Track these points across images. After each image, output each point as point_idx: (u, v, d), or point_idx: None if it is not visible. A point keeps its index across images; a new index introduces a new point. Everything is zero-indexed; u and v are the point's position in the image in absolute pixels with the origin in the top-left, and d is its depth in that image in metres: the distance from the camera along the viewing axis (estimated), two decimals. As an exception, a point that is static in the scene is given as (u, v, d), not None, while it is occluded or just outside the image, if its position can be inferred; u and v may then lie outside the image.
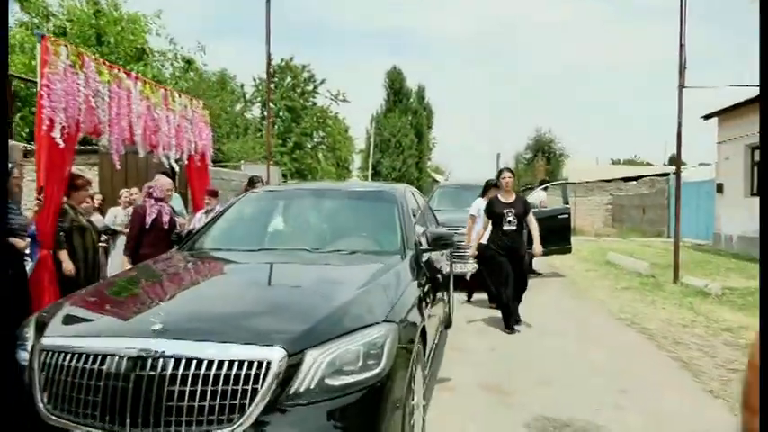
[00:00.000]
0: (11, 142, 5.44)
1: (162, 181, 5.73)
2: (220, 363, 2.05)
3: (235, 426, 1.99)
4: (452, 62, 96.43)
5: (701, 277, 9.20)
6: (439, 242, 3.79)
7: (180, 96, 7.13)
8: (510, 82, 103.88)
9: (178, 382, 2.03)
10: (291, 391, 2.07)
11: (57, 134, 4.86)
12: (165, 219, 5.36)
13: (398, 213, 3.86)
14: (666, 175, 26.89)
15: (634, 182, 27.36)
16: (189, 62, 19.31)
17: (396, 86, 37.53)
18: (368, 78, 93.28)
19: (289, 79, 29.02)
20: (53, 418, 2.16)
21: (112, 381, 2.07)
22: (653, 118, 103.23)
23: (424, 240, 3.87)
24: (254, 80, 29.06)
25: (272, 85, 29.05)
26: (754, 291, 8.10)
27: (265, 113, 28.27)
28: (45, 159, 4.86)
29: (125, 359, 2.09)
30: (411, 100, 38.11)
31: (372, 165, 33.50)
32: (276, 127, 28.40)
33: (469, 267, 7.60)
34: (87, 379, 2.12)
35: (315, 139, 29.86)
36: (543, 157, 36.25)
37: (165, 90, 6.85)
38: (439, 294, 4.40)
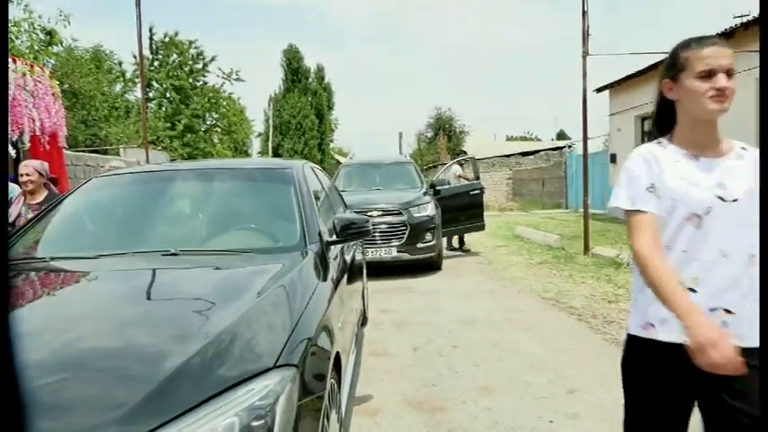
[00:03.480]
0: None
1: None
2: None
3: None
4: (351, 41, 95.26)
5: (608, 247, 9.18)
6: (350, 231, 2.94)
7: (15, 62, 5.67)
8: (409, 62, 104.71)
9: None
10: None
11: None
12: None
13: (296, 197, 2.97)
14: (561, 148, 28.03)
15: (531, 156, 28.23)
16: (50, 34, 16.75)
17: (293, 66, 35.91)
18: (264, 59, 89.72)
19: (174, 56, 26.59)
20: None
21: None
22: (543, 95, 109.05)
23: (328, 229, 3.01)
24: (135, 57, 26.31)
25: (157, 63, 26.48)
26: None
27: (149, 94, 25.76)
28: None
29: None
30: (310, 80, 36.70)
31: (273, 147, 31.87)
32: (163, 109, 25.99)
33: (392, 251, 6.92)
34: None
35: (208, 122, 27.73)
36: (444, 135, 36.51)
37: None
38: (354, 294, 3.59)
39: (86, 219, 3.04)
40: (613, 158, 16.18)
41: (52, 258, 2.62)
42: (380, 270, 7.31)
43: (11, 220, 4.19)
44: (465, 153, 10.88)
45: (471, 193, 9.36)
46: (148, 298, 2.08)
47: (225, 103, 27.99)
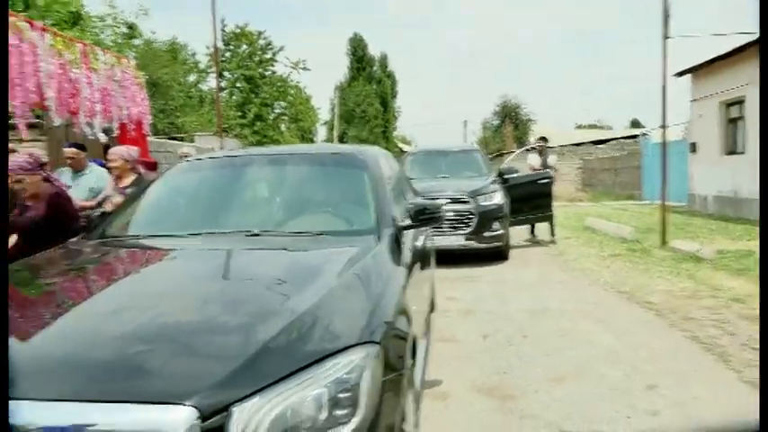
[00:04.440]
0: None
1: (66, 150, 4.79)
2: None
3: None
4: (415, 30, 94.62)
5: (688, 241, 8.70)
6: (423, 216, 2.94)
7: (104, 54, 6.03)
8: (474, 49, 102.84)
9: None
10: (211, 478, 1.24)
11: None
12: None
13: (370, 182, 3.01)
14: (635, 137, 26.71)
15: (603, 145, 27.11)
16: (131, 27, 17.69)
17: (358, 54, 36.19)
18: (329, 48, 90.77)
19: (244, 47, 27.41)
20: None
21: None
22: (614, 83, 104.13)
23: (401, 215, 3.03)
24: (208, 48, 27.33)
25: (228, 54, 27.40)
26: (746, 254, 7.61)
27: (222, 84, 26.72)
28: None
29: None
30: (374, 68, 36.84)
31: (338, 135, 32.33)
32: (234, 98, 26.90)
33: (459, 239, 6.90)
34: None
35: (276, 111, 28.46)
36: (511, 123, 35.71)
37: (84, 45, 5.75)
38: (425, 280, 3.61)
39: (173, 201, 3.21)
40: (693, 147, 15.24)
41: (142, 237, 2.80)
42: (447, 258, 7.29)
43: (98, 200, 4.46)
44: (546, 140, 10.50)
45: (540, 182, 9.11)
46: (232, 276, 2.18)
47: (292, 91, 28.62)
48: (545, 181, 9.13)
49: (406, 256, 2.73)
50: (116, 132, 6.35)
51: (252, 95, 26.38)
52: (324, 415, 1.39)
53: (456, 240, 7.37)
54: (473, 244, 7.48)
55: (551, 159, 9.98)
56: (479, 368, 3.65)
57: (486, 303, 5.42)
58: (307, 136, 31.16)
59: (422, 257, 3.47)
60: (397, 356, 1.76)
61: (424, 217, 2.95)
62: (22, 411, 1.25)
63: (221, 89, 26.75)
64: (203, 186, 3.27)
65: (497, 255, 7.86)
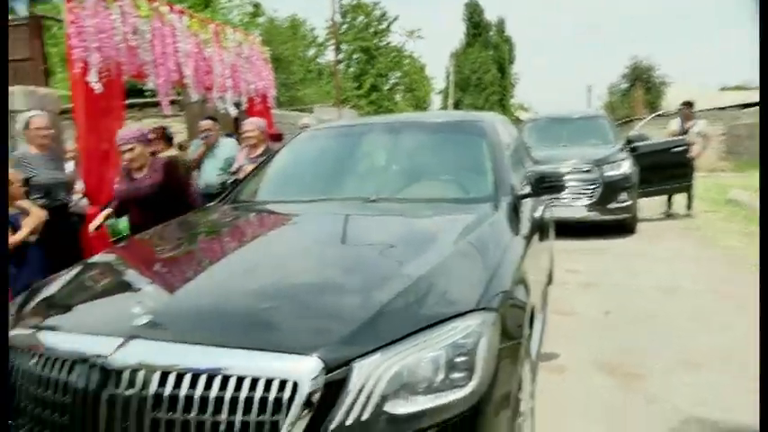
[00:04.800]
0: (46, 90, 4.99)
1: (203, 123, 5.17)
2: (224, 379, 1.33)
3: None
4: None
5: None
6: (543, 185, 2.83)
7: (233, 32, 6.42)
8: (599, 9, 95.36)
9: (164, 407, 1.34)
10: (332, 427, 1.32)
11: (93, 78, 4.31)
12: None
13: (488, 149, 2.94)
14: (793, 97, 23.30)
15: (752, 108, 24.03)
16: (256, 6, 18.66)
17: (474, 20, 35.08)
18: (444, 15, 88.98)
19: (361, 19, 27.78)
20: (13, 445, 1.56)
21: (80, 400, 1.42)
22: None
23: (519, 183, 2.93)
24: (326, 22, 28.11)
25: (344, 27, 27.95)
26: None
27: (339, 56, 27.42)
28: (81, 107, 4.36)
29: (96, 368, 1.43)
30: (491, 33, 35.56)
31: (453, 104, 31.89)
32: (351, 70, 27.51)
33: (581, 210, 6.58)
34: (53, 393, 1.49)
35: (391, 81, 28.68)
36: (641, 87, 32.82)
37: (216, 25, 6.16)
38: (543, 251, 3.49)
39: (296, 168, 3.37)
40: None
41: (269, 202, 2.99)
42: (566, 229, 6.97)
43: (233, 169, 4.80)
44: (690, 105, 9.50)
45: (675, 149, 8.31)
46: (352, 241, 2.26)
47: (407, 61, 28.63)
48: (680, 148, 8.31)
49: (524, 225, 2.65)
50: (244, 106, 6.77)
51: (368, 66, 26.81)
52: (440, 377, 1.41)
53: (578, 211, 7.01)
54: (596, 215, 7.06)
55: (700, 125, 8.97)
56: (600, 345, 3.48)
57: (608, 277, 5.13)
58: (421, 105, 31.12)
59: (540, 227, 3.35)
60: (514, 325, 1.73)
61: (544, 186, 2.84)
62: (168, 353, 1.41)
63: (338, 62, 27.49)
64: (324, 154, 3.40)
65: (623, 228, 7.36)
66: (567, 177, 6.76)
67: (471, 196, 2.71)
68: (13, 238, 3.36)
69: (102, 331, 1.51)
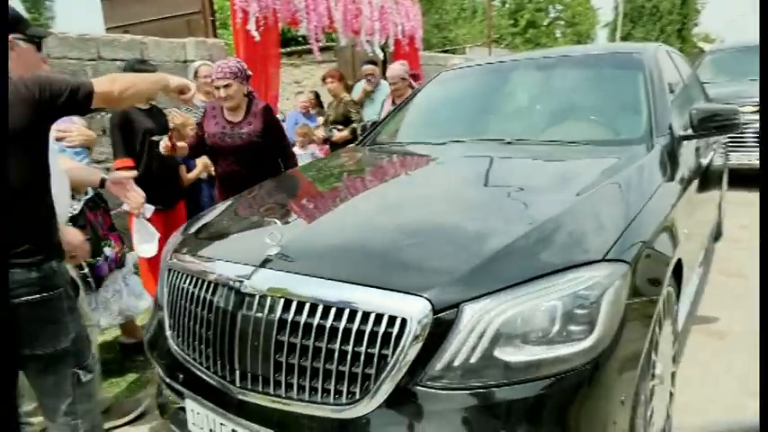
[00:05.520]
0: (214, 40, 5.45)
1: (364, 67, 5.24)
2: (339, 311, 1.40)
3: (352, 404, 1.36)
4: None
5: None
6: (711, 124, 2.45)
7: (381, -27, 6.37)
8: None
9: (287, 331, 1.46)
10: (438, 366, 1.33)
11: (251, 26, 4.61)
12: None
13: (645, 84, 2.60)
14: None
15: None
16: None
17: (654, -64, 30.64)
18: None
19: (519, -53, 25.84)
20: (176, 348, 1.82)
21: (221, 317, 1.61)
22: None
23: (682, 123, 2.57)
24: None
25: (501, -42, 26.26)
26: None
27: (494, -8, 26.01)
28: (242, 54, 4.71)
29: (233, 292, 1.59)
30: (675, -49, 30.86)
31: (621, 38, 28.76)
32: (506, 6, 26.02)
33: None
34: (201, 309, 1.70)
35: (551, 15, 26.61)
36: None
37: (365, -35, 6.16)
38: (707, 201, 3.08)
39: (432, 110, 3.33)
40: None
41: (407, 143, 2.99)
42: (746, 179, 6.05)
43: (380, 119, 4.88)
44: None
45: None
46: (481, 183, 2.18)
47: (569, -8, 26.23)
48: None
49: (683, 170, 2.34)
50: (392, 48, 6.80)
51: (525, 1, 25.08)
52: (556, 328, 1.33)
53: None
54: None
55: None
56: (773, 311, 3.02)
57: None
58: (584, 41, 28.52)
59: (706, 174, 2.94)
60: (650, 281, 1.57)
61: (714, 125, 2.46)
62: (292, 283, 1.51)
63: (494, -3, 26.13)
64: (462, 95, 3.29)
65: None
66: (749, 118, 5.85)
67: (621, 137, 2.44)
68: (188, 176, 3.82)
69: (240, 259, 1.67)
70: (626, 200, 1.78)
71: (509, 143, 2.53)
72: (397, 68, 4.72)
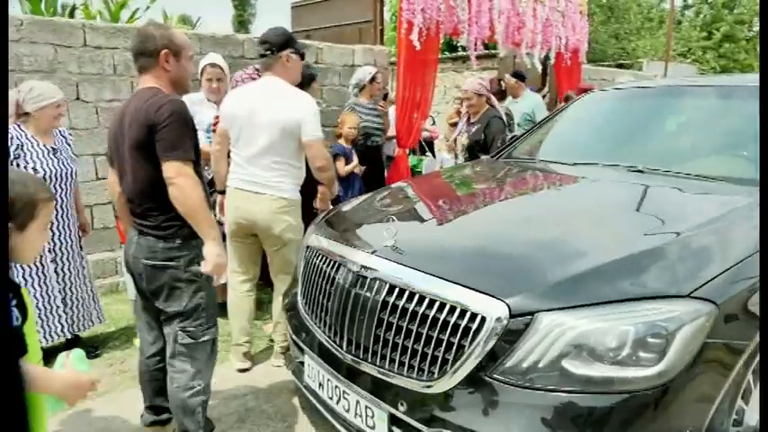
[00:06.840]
0: (380, 47, 5.93)
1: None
2: (431, 302, 1.64)
3: (430, 382, 1.59)
4: None
5: None
6: None
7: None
8: None
9: (388, 311, 1.73)
10: (508, 363, 1.50)
11: (414, 36, 4.96)
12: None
13: None
14: None
15: None
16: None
17: None
18: None
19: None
20: (303, 312, 2.20)
21: (339, 292, 1.94)
22: None
23: None
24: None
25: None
26: None
27: (688, 1, 23.75)
28: (403, 61, 5.08)
29: (351, 273, 1.91)
30: None
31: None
32: (701, 16, 23.57)
33: None
34: (326, 283, 2.05)
35: (755, 29, 23.48)
36: None
37: (536, -21, 6.20)
38: None
39: (573, 129, 3.36)
40: None
41: (540, 161, 3.09)
42: None
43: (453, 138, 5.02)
44: None
45: None
46: (598, 206, 2.23)
47: (784, 3, 22.87)
48: None
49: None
50: (552, 61, 6.73)
51: (724, 11, 22.46)
52: (626, 351, 1.42)
53: None
54: None
55: None
56: None
57: None
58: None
59: None
60: (739, 329, 1.55)
61: None
62: (397, 272, 1.77)
63: (686, 6, 23.85)
64: (605, 117, 3.29)
65: None
66: None
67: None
68: (345, 168, 4.30)
69: (359, 246, 1.99)
70: (738, 242, 1.75)
71: (640, 171, 2.51)
72: (472, 83, 4.64)
